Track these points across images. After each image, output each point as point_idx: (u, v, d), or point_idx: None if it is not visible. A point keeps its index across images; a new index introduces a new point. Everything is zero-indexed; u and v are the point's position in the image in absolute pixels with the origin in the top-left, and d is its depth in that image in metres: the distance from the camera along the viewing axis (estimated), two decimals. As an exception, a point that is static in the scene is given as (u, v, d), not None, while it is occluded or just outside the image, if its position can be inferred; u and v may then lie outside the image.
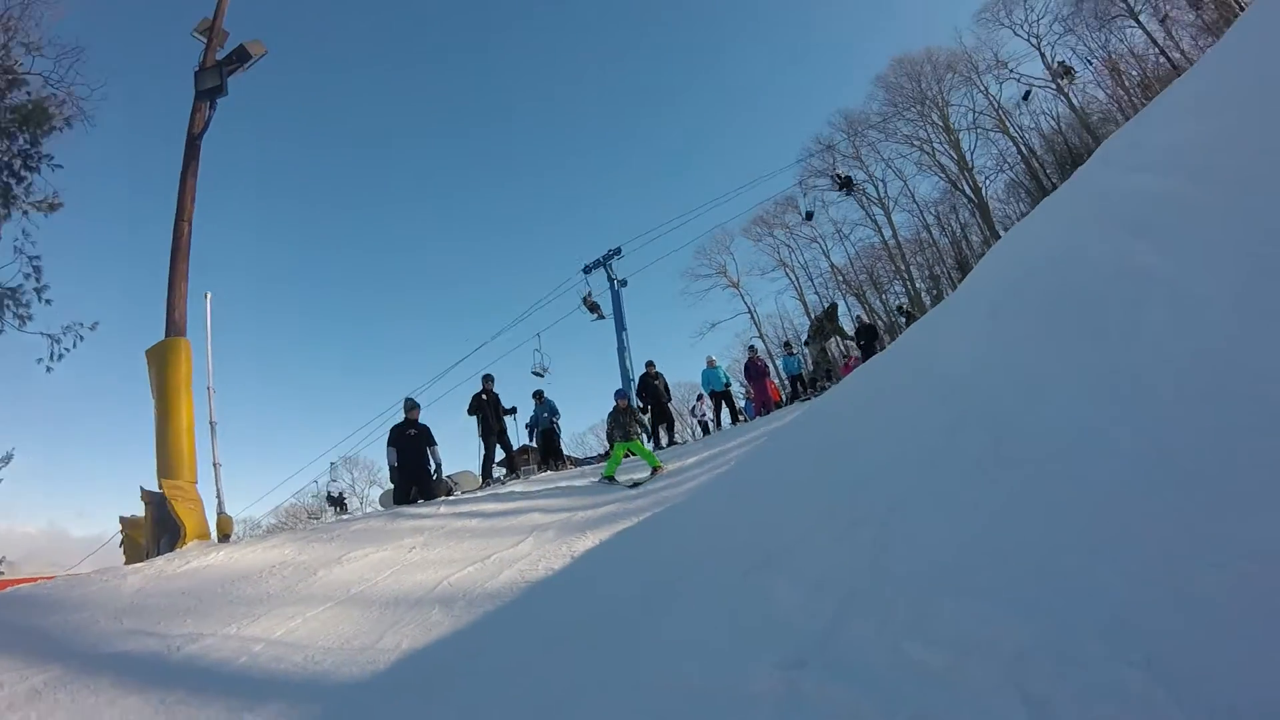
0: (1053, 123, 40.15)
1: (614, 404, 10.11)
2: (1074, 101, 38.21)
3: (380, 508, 10.66)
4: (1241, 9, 28.12)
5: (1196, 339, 2.81)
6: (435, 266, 68.24)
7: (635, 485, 8.81)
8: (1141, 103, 32.70)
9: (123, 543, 10.42)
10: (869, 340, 16.56)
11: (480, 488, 11.18)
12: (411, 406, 10.47)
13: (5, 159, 14.34)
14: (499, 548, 6.23)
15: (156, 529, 8.27)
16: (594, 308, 27.33)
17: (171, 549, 7.86)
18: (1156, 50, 35.06)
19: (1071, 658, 1.82)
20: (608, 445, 10.68)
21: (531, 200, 67.83)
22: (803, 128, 70.09)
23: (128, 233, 53.78)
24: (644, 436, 10.27)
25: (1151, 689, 1.59)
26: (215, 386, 9.25)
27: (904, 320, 25.16)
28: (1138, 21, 35.33)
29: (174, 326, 9.28)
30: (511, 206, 68.08)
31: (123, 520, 10.42)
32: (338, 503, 20.14)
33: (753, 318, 45.80)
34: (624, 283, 28.55)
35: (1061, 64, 35.55)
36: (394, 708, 3.44)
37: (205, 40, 11.20)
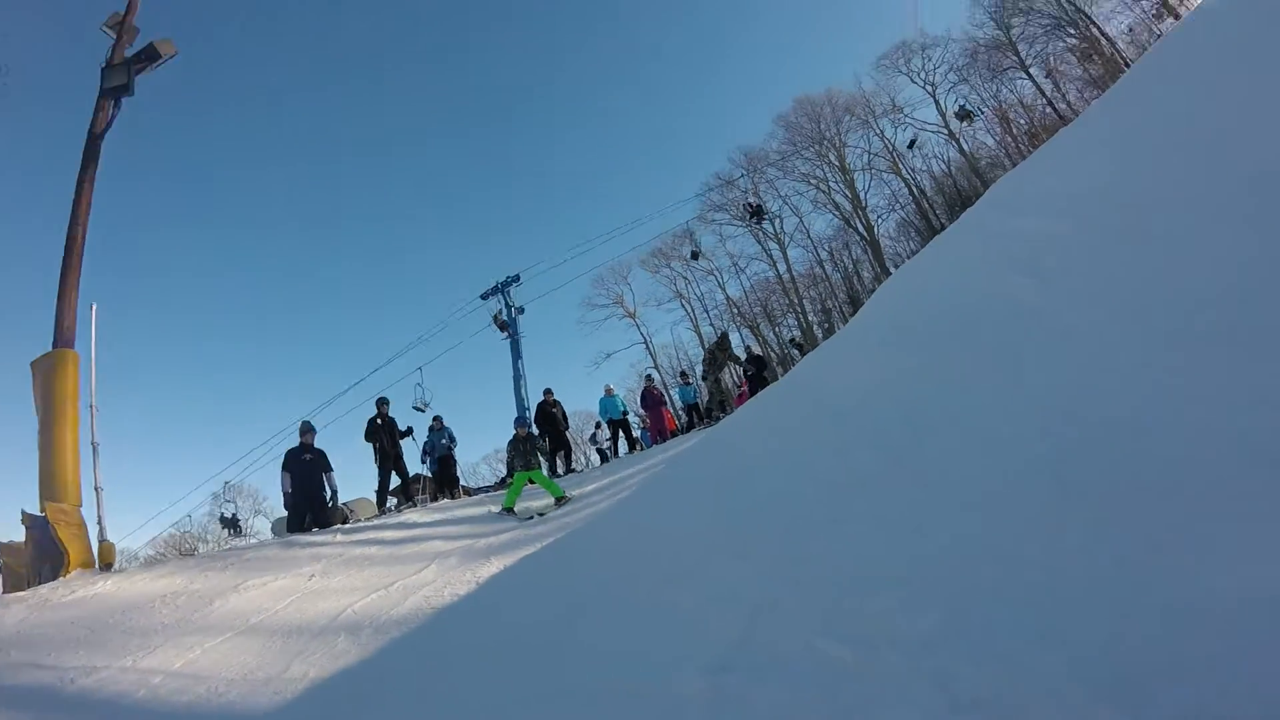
0: (944, 166, 42.51)
1: (514, 432, 9.94)
2: (964, 146, 40.48)
3: (273, 535, 10.35)
4: (1126, 65, 30.50)
5: (1065, 367, 3.19)
6: (329, 290, 66.26)
7: (537, 516, 8.60)
8: (1028, 150, 34.94)
9: (0, 570, 9.91)
10: (758, 370, 16.95)
11: (377, 516, 11.00)
12: (307, 430, 10.25)
13: None
14: (401, 575, 6.25)
15: (38, 555, 7.87)
16: (504, 326, 27.13)
17: (54, 577, 7.49)
18: (1044, 101, 37.54)
19: (977, 642, 2.11)
20: (507, 474, 10.48)
21: (429, 224, 66.84)
22: (704, 163, 71.44)
23: (14, 233, 50.87)
24: (545, 465, 10.25)
25: (1057, 666, 1.85)
26: (98, 405, 8.93)
27: (796, 352, 25.90)
28: (1028, 74, 37.84)
29: (62, 337, 8.87)
30: (409, 228, 66.93)
31: (0, 547, 9.92)
32: (231, 524, 19.26)
33: (648, 348, 46.46)
34: (521, 310, 28.49)
35: (962, 107, 37.34)
36: None
37: (114, 36, 10.88)
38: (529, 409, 25.33)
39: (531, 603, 4.77)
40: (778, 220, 44.28)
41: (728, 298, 46.40)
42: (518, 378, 26.44)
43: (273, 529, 10.77)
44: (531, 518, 8.55)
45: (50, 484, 8.18)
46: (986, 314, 4.29)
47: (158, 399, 66.69)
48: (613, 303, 46.41)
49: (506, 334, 27.05)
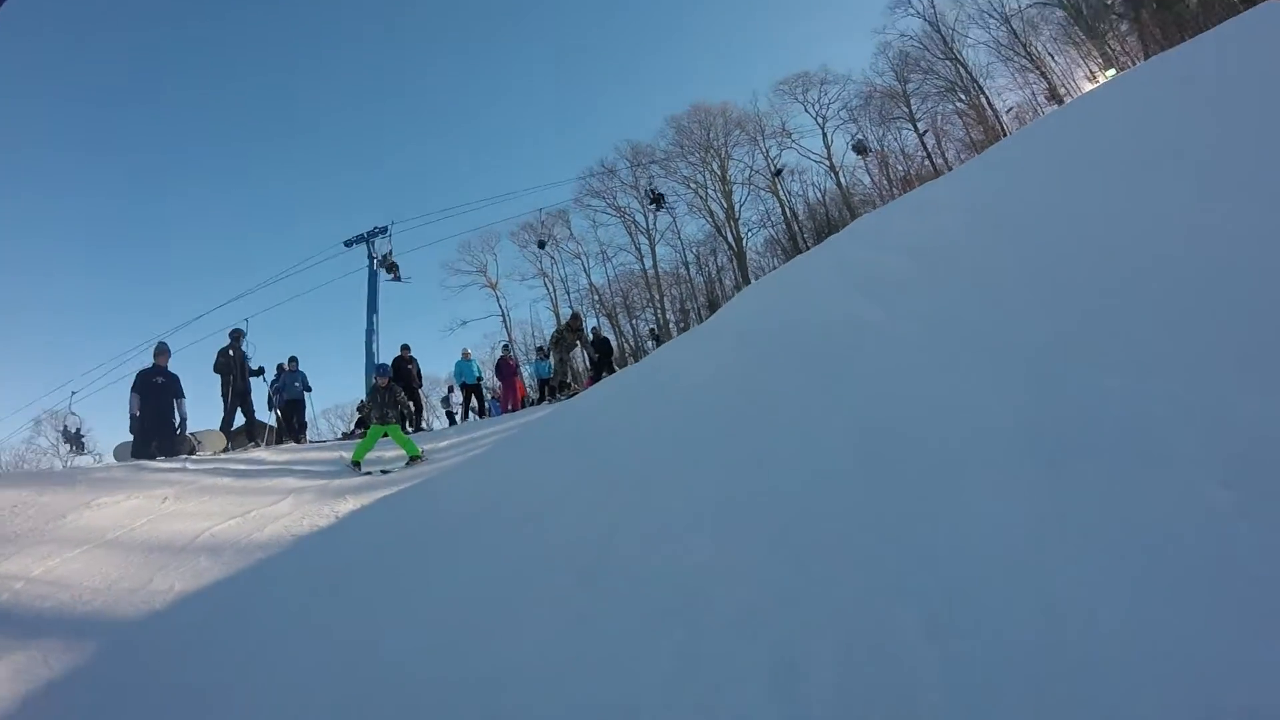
0: (819, 194, 44.34)
1: (373, 381, 9.60)
2: (842, 180, 42.60)
3: (115, 460, 10.01)
4: (1005, 132, 33.08)
5: (894, 369, 3.84)
6: (185, 210, 61.93)
7: (384, 473, 8.12)
8: (901, 193, 37.35)
9: None
10: (604, 354, 17.39)
11: (225, 450, 10.78)
12: (161, 351, 9.92)
13: None
14: (257, 506, 6.36)
15: None
16: (392, 268, 26.86)
17: None
18: (924, 154, 40.02)
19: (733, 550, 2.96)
20: (355, 426, 10.42)
21: (304, 149, 63.56)
22: (592, 148, 71.24)
23: None
24: (405, 422, 9.84)
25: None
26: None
27: (653, 343, 26.51)
28: (914, 127, 40.30)
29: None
30: (289, 151, 63.44)
31: None
32: (75, 439, 17.93)
33: (505, 321, 45.95)
34: (382, 262, 27.99)
35: (860, 141, 39.39)
36: (175, 643, 3.67)
37: None
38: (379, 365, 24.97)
39: (395, 534, 5.10)
40: (651, 216, 45.01)
41: (591, 284, 46.45)
42: (370, 332, 25.94)
43: (115, 453, 10.31)
44: (383, 473, 8.16)
45: None
46: (832, 325, 4.94)
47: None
48: (476, 270, 45.84)
49: (393, 275, 26.63)
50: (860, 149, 39.72)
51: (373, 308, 26.73)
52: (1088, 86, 30.33)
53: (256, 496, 6.83)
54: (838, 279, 5.87)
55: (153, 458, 9.03)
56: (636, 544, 3.38)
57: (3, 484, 6.80)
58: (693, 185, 44.92)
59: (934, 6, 39.12)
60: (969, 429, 2.97)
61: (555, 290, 46.31)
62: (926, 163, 39.20)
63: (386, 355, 22.70)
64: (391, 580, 4.12)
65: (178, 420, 9.71)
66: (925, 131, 39.93)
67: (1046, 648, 1.87)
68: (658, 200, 39.20)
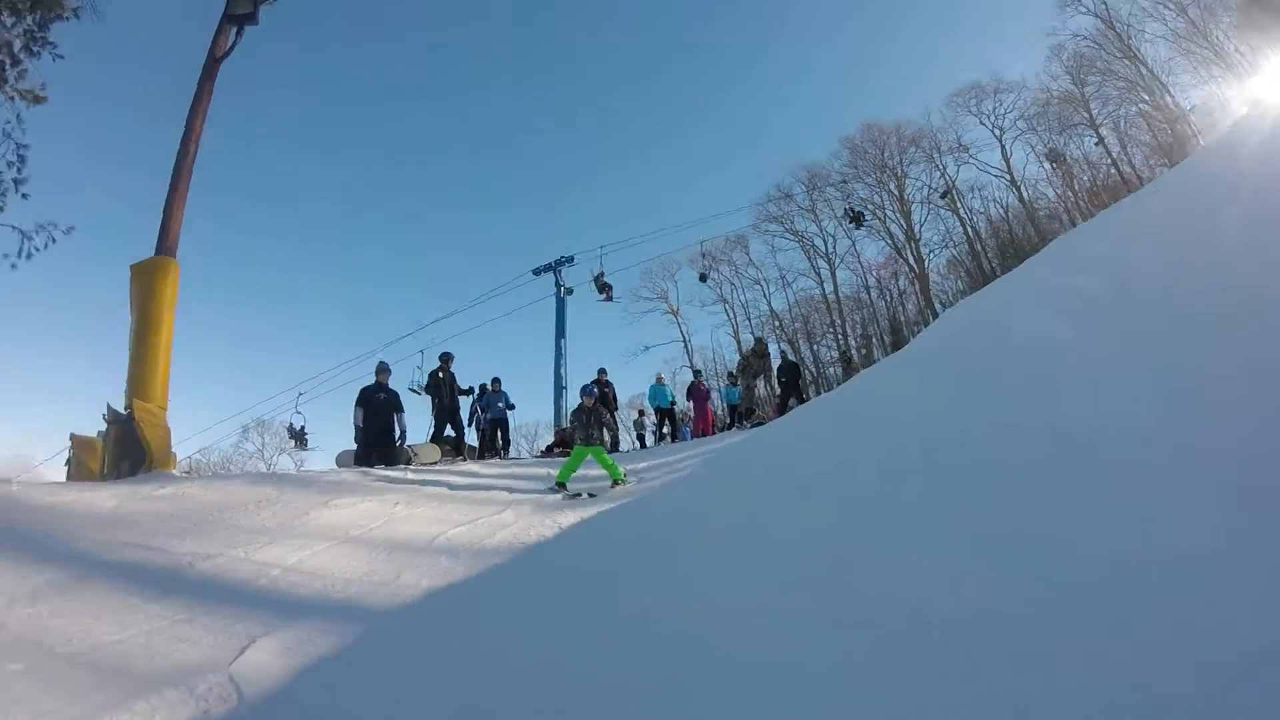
0: (1001, 211, 41.82)
1: (579, 401, 9.29)
2: (1024, 194, 40.03)
3: (336, 466, 10.50)
4: (1194, 133, 30.13)
5: (1093, 395, 3.71)
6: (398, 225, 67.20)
7: (590, 495, 7.77)
8: (1087, 205, 34.62)
9: (69, 461, 10.16)
10: (791, 378, 16.80)
11: (439, 461, 11.15)
12: (382, 370, 10.41)
13: (6, 38, 13.58)
14: (483, 514, 6.38)
15: (117, 449, 8.09)
16: (604, 288, 27.31)
17: (132, 473, 7.70)
18: (1110, 161, 36.90)
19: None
20: (550, 446, 10.09)
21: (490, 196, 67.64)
22: (767, 172, 71.45)
23: (118, 140, 53.41)
24: (607, 442, 9.49)
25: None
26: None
27: (842, 365, 25.48)
28: (1096, 133, 37.11)
29: (166, 246, 9.13)
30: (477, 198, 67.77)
31: (73, 438, 10.18)
32: (299, 436, 19.23)
33: (686, 346, 46.19)
34: (570, 291, 28.67)
35: (1054, 149, 36.94)
36: (427, 634, 3.61)
37: None
38: (566, 388, 25.55)
39: (618, 545, 4.96)
40: (831, 240, 44.03)
41: (771, 309, 46.07)
42: (559, 357, 26.61)
43: (337, 460, 10.85)
44: (581, 495, 7.82)
45: (140, 385, 8.40)
46: (1023, 352, 4.80)
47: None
48: (658, 297, 46.32)
49: (605, 295, 27.33)
50: (1055, 157, 37.23)
51: (560, 333, 27.43)
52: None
53: (478, 506, 6.87)
54: (1037, 303, 5.53)
55: (373, 466, 9.39)
56: (862, 562, 3.35)
57: (245, 481, 7.13)
58: (870, 207, 43.11)
59: (1105, 2, 35.92)
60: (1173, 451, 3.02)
61: (736, 316, 46.27)
62: (1113, 171, 36.32)
63: (573, 375, 23.22)
64: (626, 584, 4.04)
65: (397, 433, 10.06)
66: (1099, 141, 36.91)
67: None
68: (857, 219, 38.01)
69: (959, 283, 40.61)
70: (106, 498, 6.08)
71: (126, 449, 8.05)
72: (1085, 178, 38.48)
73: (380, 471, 8.73)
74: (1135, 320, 4.31)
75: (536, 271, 29.37)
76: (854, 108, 67.06)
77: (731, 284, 46.41)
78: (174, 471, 8.22)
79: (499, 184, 68.14)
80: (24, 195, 14.17)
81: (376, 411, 9.96)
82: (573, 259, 29.15)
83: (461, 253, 69.10)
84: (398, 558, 4.85)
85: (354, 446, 10.03)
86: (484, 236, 68.42)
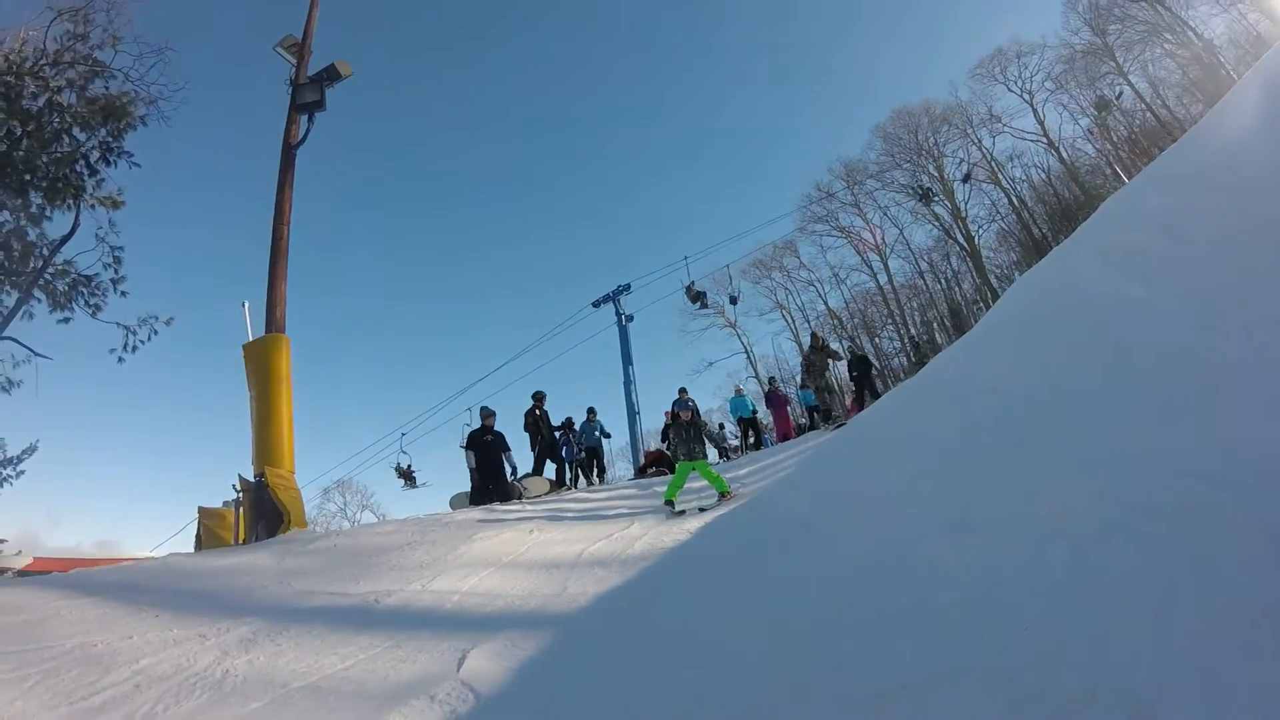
0: (1043, 175, 41.20)
1: (672, 417, 9.60)
2: (1064, 155, 39.39)
3: (450, 509, 10.95)
4: (1226, 70, 29.36)
5: (1164, 343, 3.79)
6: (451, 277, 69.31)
7: (701, 510, 7.65)
8: (1128, 156, 33.89)
9: (198, 534, 10.76)
10: (864, 371, 16.76)
11: (548, 492, 11.59)
12: (488, 414, 10.97)
13: (84, 151, 14.64)
14: (613, 530, 6.72)
15: (254, 515, 8.62)
16: (698, 297, 28.70)
17: (269, 535, 8.19)
18: (1144, 107, 36.13)
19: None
20: (643, 466, 10.46)
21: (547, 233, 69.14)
22: (806, 174, 71.77)
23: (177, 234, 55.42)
24: (709, 455, 9.59)
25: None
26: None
27: (911, 353, 25.14)
28: (1126, 80, 36.46)
29: (275, 324, 9.75)
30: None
31: (201, 510, 10.78)
32: (407, 475, 20.05)
33: (749, 357, 46.40)
34: (630, 318, 29.19)
35: (1101, 97, 35.98)
36: (615, 626, 3.98)
37: (291, 58, 11.90)
38: (639, 414, 26.06)
39: (757, 541, 5.14)
40: (878, 232, 43.94)
41: (828, 308, 46.00)
42: (627, 382, 27.13)
43: (451, 503, 11.35)
44: (695, 510, 7.74)
45: (268, 452, 8.94)
46: (1103, 308, 4.80)
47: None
48: (714, 312, 46.59)
49: (701, 304, 28.89)
50: (1103, 105, 36.07)
51: (627, 360, 27.98)
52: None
53: (605, 524, 7.22)
54: (1100, 264, 5.64)
55: (489, 503, 9.78)
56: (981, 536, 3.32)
57: (383, 530, 7.56)
58: (912, 191, 42.91)
59: None
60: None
61: (795, 321, 46.27)
62: (1148, 116, 35.34)
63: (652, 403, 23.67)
64: (767, 565, 4.31)
65: (508, 470, 10.47)
66: (1120, 94, 36.02)
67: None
68: (926, 196, 38.22)
69: (1011, 254, 40.23)
70: (264, 557, 6.51)
71: (262, 513, 8.56)
72: (1122, 128, 37.63)
73: (502, 507, 9.13)
74: (1195, 271, 4.40)
75: (596, 304, 30.05)
76: (881, 98, 67.37)
77: (786, 289, 46.59)
78: (309, 530, 8.69)
79: (540, 222, 69.75)
80: (123, 294, 15.20)
81: (486, 452, 10.49)
82: (629, 287, 29.76)
83: (508, 290, 70.85)
84: (556, 574, 5.21)
85: (460, 490, 10.58)
86: (530, 274, 70.05)
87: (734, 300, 31.51)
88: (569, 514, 8.18)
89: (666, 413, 14.69)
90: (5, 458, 14.94)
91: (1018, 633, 2.41)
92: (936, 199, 40.41)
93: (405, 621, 4.35)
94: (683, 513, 7.58)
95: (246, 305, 10.15)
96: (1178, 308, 3.98)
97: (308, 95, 11.31)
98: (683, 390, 15.36)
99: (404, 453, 20.85)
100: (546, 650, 3.68)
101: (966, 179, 39.61)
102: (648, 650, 3.46)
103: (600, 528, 6.96)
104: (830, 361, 17.23)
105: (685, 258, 28.50)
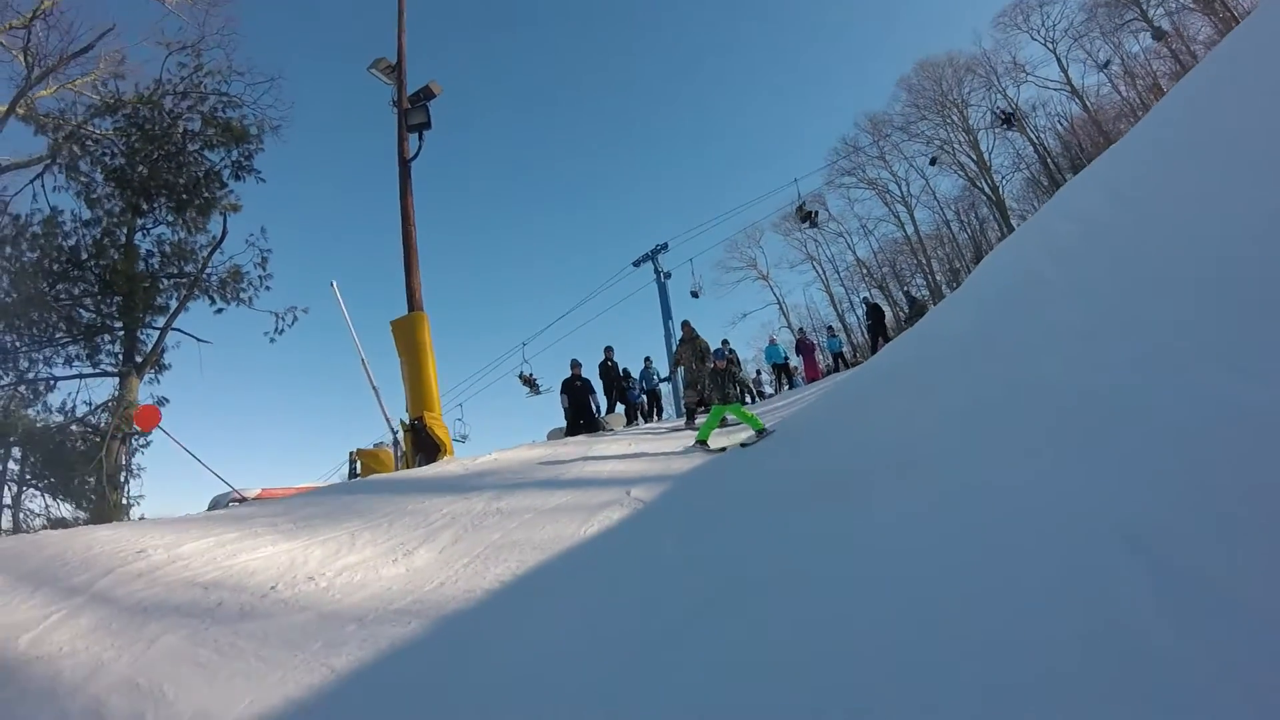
0: (1066, 124, 42.99)
1: (711, 365, 10.26)
2: (1088, 103, 41.12)
3: (547, 439, 13.93)
4: (1235, 20, 30.56)
5: (1081, 317, 5.78)
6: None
7: (743, 445, 8.57)
8: (1154, 101, 35.29)
9: (357, 472, 13.90)
10: (877, 319, 20.10)
11: (627, 425, 14.82)
12: (576, 365, 13.90)
13: (216, 169, 18.08)
14: (685, 441, 9.60)
15: (416, 448, 11.64)
16: (808, 216, 31.33)
17: (428, 463, 11.14)
18: (1169, 54, 37.51)
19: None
20: (690, 406, 12.16)
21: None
22: (834, 129, 74.54)
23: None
24: (746, 397, 11.98)
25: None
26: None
27: (910, 305, 27.10)
28: (1149, 23, 37.56)
29: (415, 304, 12.74)
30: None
31: (359, 452, 13.98)
32: (531, 383, 23.72)
33: (781, 308, 49.00)
34: (669, 275, 31.82)
35: (1158, 28, 36.28)
36: (699, 482, 6.98)
37: (387, 79, 14.82)
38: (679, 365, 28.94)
39: (790, 433, 7.99)
40: (904, 183, 45.92)
41: (857, 259, 48.53)
42: (668, 336, 29.81)
43: (548, 436, 14.33)
44: (737, 447, 8.65)
45: (422, 401, 11.93)
46: (1021, 285, 7.20)
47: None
48: (746, 265, 49.15)
49: (810, 223, 32.68)
50: (1160, 35, 36.69)
51: (667, 314, 30.67)
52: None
53: (680, 439, 10.10)
54: (1037, 248, 7.76)
55: (579, 433, 12.85)
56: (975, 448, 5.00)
57: (522, 450, 10.45)
58: (937, 142, 44.90)
59: None
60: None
61: (826, 271, 48.56)
62: (1175, 64, 36.54)
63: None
64: (801, 446, 7.10)
65: (595, 408, 13.51)
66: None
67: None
68: (1008, 119, 38.31)
69: (1037, 202, 40.74)
70: (451, 468, 9.44)
71: (421, 446, 11.58)
72: (1147, 77, 39.15)
73: (595, 435, 12.16)
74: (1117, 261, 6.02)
75: (636, 263, 32.73)
76: (906, 51, 69.05)
77: (816, 241, 48.71)
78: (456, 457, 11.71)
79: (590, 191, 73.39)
80: (268, 288, 18.67)
81: (576, 395, 13.50)
82: (667, 245, 32.39)
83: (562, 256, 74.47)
84: (658, 461, 8.24)
85: (558, 426, 13.71)
86: (579, 238, 73.77)
87: (695, 294, 32.63)
88: (647, 437, 11.12)
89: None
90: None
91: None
92: (1018, 121, 40.90)
93: (583, 482, 7.35)
94: (722, 449, 8.66)
95: (335, 284, 13.19)
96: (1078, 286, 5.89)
97: (417, 118, 14.06)
98: (725, 341, 18.21)
99: (526, 361, 24.47)
100: (667, 489, 6.70)
101: (1008, 121, 40.22)
102: (716, 488, 6.47)
103: (677, 441, 9.89)
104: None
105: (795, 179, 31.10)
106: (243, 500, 10.42)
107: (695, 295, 31.97)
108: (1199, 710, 1.91)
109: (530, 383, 23.79)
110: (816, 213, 33.51)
